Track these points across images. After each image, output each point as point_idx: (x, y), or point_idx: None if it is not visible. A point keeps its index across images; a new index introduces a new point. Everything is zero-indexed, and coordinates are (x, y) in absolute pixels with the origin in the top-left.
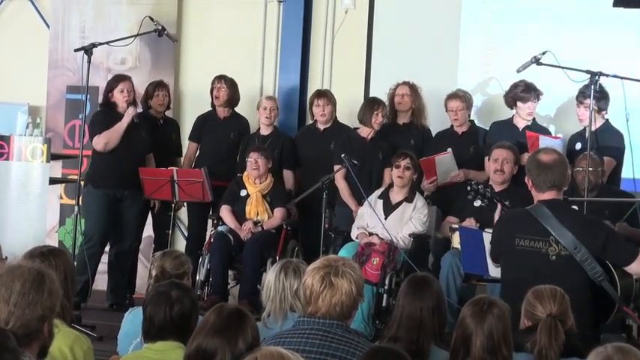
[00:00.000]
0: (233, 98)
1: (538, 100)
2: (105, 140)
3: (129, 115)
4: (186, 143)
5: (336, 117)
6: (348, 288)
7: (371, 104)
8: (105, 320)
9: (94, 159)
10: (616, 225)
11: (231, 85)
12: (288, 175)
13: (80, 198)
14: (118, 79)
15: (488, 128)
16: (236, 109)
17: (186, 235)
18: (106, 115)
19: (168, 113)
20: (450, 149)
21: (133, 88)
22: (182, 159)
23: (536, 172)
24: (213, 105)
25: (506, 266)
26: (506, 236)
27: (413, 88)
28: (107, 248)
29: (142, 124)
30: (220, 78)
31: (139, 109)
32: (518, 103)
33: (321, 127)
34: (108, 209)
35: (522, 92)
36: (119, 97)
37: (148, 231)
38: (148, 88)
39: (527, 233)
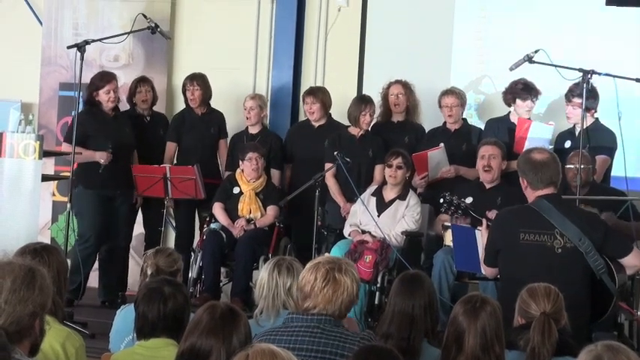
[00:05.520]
0: (207, 95)
1: (537, 99)
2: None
3: (101, 158)
4: None
5: (330, 115)
6: (350, 286)
7: (358, 104)
8: (97, 317)
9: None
10: (602, 213)
11: (203, 82)
12: (275, 175)
13: (71, 195)
14: (104, 78)
15: (482, 126)
16: (230, 107)
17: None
18: (91, 114)
19: (161, 109)
20: (442, 144)
21: (117, 86)
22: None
23: (532, 171)
24: (186, 103)
25: (508, 262)
26: (509, 232)
27: (406, 86)
28: None
29: (124, 121)
30: (192, 79)
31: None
32: (517, 101)
33: (315, 124)
34: (101, 210)
35: (522, 90)
36: (104, 97)
37: (140, 228)
38: (131, 85)
39: (532, 227)
